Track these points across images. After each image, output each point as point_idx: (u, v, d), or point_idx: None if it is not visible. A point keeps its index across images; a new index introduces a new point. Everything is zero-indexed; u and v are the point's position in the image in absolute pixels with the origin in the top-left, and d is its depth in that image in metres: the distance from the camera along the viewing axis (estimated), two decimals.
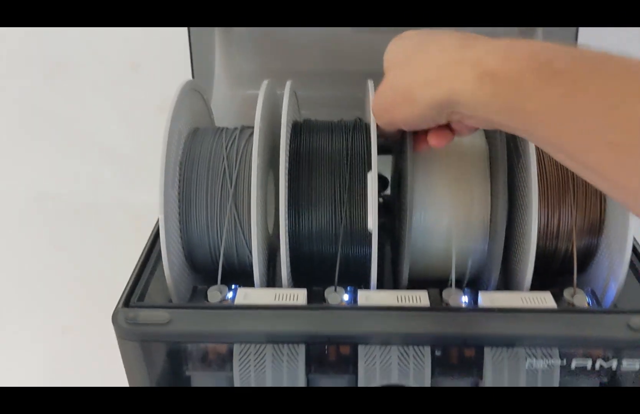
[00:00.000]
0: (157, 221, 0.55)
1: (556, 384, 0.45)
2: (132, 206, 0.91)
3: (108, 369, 0.51)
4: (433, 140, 0.43)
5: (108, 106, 0.94)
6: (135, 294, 0.47)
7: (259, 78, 0.56)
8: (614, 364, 0.44)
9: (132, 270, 0.50)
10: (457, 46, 0.38)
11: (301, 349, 0.45)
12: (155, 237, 0.54)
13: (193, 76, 0.70)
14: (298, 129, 0.55)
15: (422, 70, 0.40)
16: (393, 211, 0.60)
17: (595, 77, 0.31)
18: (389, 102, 0.44)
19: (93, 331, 0.79)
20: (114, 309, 0.45)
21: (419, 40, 0.43)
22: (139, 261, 0.50)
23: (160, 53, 0.88)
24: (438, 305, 0.47)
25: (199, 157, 0.53)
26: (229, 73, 0.76)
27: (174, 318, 0.43)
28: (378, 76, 0.47)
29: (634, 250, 0.49)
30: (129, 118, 0.95)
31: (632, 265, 0.49)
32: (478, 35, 0.39)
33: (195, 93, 0.58)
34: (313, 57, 0.73)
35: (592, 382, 0.46)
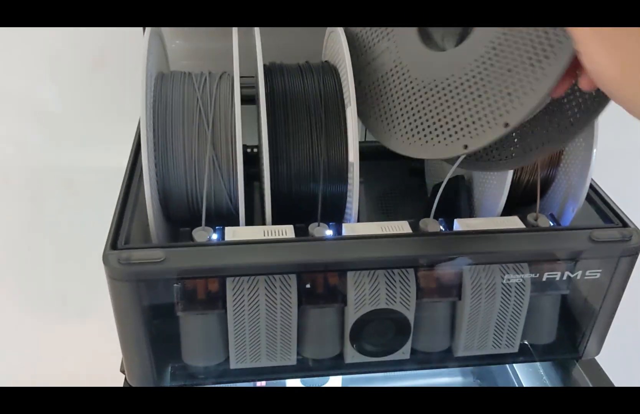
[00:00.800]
0: (127, 168, 0.54)
1: (527, 298, 0.50)
2: (64, 168, 0.87)
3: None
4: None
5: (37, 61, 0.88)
6: (121, 237, 0.46)
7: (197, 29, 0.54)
8: (579, 274, 0.49)
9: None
10: None
11: (293, 279, 0.46)
12: (128, 183, 0.53)
13: (143, 29, 0.67)
14: (267, 72, 0.55)
15: None
16: None
17: None
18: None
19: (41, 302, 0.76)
20: (103, 251, 0.44)
21: None
22: (116, 206, 0.49)
23: None
24: (418, 232, 0.49)
25: (172, 101, 0.52)
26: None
27: (168, 256, 0.43)
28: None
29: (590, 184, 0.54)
30: (60, 75, 0.90)
31: (588, 196, 0.53)
32: None
33: (159, 38, 0.57)
34: None
35: (558, 292, 0.51)
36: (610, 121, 0.48)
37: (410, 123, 0.48)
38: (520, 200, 0.57)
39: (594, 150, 0.51)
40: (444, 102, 0.45)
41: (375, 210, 0.69)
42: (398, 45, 0.52)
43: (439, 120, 0.45)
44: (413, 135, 0.48)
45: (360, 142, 0.76)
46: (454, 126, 0.44)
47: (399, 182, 0.73)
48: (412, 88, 0.49)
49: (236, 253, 0.45)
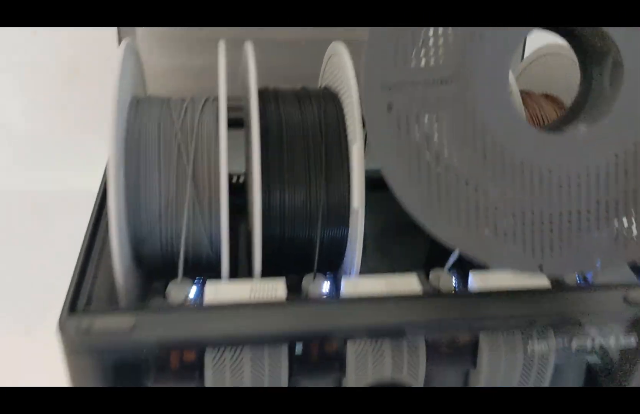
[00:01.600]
0: (95, 210, 0.48)
1: (551, 367, 0.43)
2: (35, 193, 0.79)
3: None
4: None
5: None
6: (82, 297, 0.39)
7: (184, 45, 0.48)
8: (611, 341, 0.43)
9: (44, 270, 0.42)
10: None
11: (284, 350, 0.40)
12: (94, 229, 0.46)
13: (119, 37, 0.60)
14: (260, 98, 0.48)
15: None
16: None
17: None
18: None
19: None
20: (59, 316, 0.37)
21: None
22: (79, 257, 0.42)
23: None
24: (429, 290, 0.43)
25: (147, 133, 0.45)
26: (153, 37, 0.66)
27: (139, 324, 0.36)
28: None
29: None
30: (28, 89, 0.83)
31: None
32: None
33: (134, 57, 0.50)
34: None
35: (585, 361, 0.45)
36: None
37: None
38: None
39: None
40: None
41: (374, 247, 0.63)
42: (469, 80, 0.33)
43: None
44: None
45: None
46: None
47: (400, 217, 0.67)
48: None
49: (217, 320, 0.38)
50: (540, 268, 0.32)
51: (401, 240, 0.65)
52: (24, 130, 0.77)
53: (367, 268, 0.60)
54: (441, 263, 0.45)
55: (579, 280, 0.45)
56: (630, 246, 0.27)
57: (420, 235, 0.64)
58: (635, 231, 0.27)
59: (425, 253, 0.59)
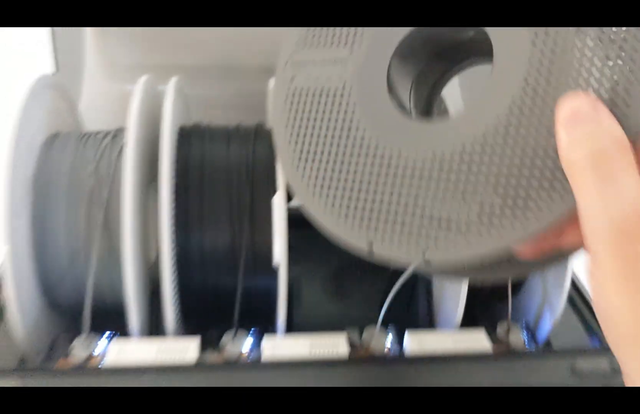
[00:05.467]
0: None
1: None
2: None
3: None
4: None
5: None
6: None
7: (140, 72, 0.45)
8: None
9: None
10: None
11: None
12: None
13: (57, 67, 0.57)
14: (187, 135, 0.45)
15: None
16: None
17: None
18: None
19: None
20: None
21: None
22: None
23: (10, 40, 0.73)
24: (357, 353, 0.39)
25: (58, 172, 0.41)
26: (104, 65, 0.63)
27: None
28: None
29: (572, 281, 0.44)
30: None
31: (569, 298, 0.44)
32: None
33: (55, 91, 0.46)
34: (204, 48, 0.61)
35: None
36: None
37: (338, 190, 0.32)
38: (488, 299, 0.47)
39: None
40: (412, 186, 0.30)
41: (327, 289, 0.59)
42: (356, 66, 0.34)
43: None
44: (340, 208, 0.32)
45: None
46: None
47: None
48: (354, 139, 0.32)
49: (114, 383, 0.35)
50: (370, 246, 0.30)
51: (359, 279, 0.61)
52: None
53: (324, 312, 0.56)
54: (394, 313, 0.41)
55: (526, 339, 0.42)
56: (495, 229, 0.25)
57: (380, 272, 0.60)
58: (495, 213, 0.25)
59: (383, 293, 0.55)
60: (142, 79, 0.43)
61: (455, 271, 0.34)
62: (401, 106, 0.33)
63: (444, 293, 0.46)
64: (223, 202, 0.42)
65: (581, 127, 0.23)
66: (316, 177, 0.33)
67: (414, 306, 0.48)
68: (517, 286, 0.47)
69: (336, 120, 0.33)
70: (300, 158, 0.34)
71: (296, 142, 0.35)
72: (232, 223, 0.42)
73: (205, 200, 0.42)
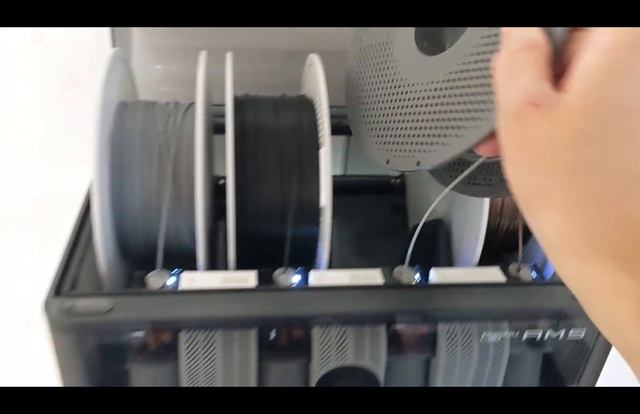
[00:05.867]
0: (84, 204, 0.51)
1: (506, 356, 0.46)
2: (33, 193, 0.83)
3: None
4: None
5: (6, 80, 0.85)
6: (67, 282, 0.42)
7: (180, 52, 0.51)
8: (561, 333, 0.46)
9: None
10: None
11: (253, 334, 0.43)
12: (82, 221, 0.49)
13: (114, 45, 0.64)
14: (239, 104, 0.52)
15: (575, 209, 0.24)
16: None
17: None
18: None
19: None
20: (44, 299, 0.40)
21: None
22: (67, 246, 0.46)
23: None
24: (392, 283, 0.46)
25: (132, 133, 0.48)
26: (148, 46, 0.70)
27: (117, 306, 0.40)
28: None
29: None
30: (29, 99, 0.87)
31: None
32: None
33: (123, 65, 0.53)
34: (242, 33, 0.69)
35: (540, 350, 0.47)
36: None
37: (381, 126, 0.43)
38: (501, 247, 0.54)
39: None
40: (415, 110, 0.40)
41: (352, 249, 0.66)
42: (394, 39, 0.44)
43: (403, 129, 0.40)
44: (382, 140, 0.43)
45: (339, 176, 0.73)
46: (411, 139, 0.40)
47: (379, 219, 0.70)
48: (391, 86, 0.42)
49: (190, 304, 0.41)
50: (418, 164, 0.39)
51: (382, 239, 0.68)
52: (27, 133, 0.82)
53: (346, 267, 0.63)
54: (417, 261, 0.48)
55: (535, 275, 0.48)
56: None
57: (399, 235, 0.67)
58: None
59: (403, 252, 0.62)
60: (202, 54, 0.50)
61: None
62: (423, 45, 0.41)
63: (462, 241, 0.52)
64: (274, 160, 0.49)
65: (503, 40, 0.27)
66: (365, 109, 0.44)
67: (436, 254, 0.54)
68: (527, 235, 0.54)
69: (381, 64, 0.44)
70: (359, 97, 0.46)
71: (360, 84, 0.46)
72: (282, 178, 0.49)
73: (259, 158, 0.49)
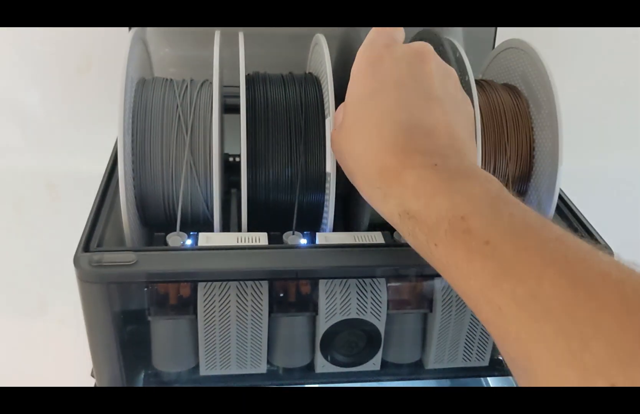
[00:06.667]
0: (107, 169, 0.55)
1: None
2: (47, 173, 0.87)
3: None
4: None
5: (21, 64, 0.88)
6: (94, 240, 0.46)
7: (188, 38, 0.55)
8: None
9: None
10: (395, 151, 0.39)
11: (265, 287, 0.46)
12: (105, 188, 0.53)
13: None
14: (250, 81, 0.56)
15: (364, 155, 0.41)
16: None
17: (504, 246, 0.31)
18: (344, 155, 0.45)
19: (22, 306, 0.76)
20: (74, 254, 0.44)
21: (372, 91, 0.43)
22: (92, 209, 0.49)
23: None
24: (391, 243, 0.50)
25: (152, 106, 0.52)
26: (158, 30, 0.74)
27: (140, 259, 0.43)
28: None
29: (559, 195, 0.54)
30: (44, 79, 0.90)
31: (557, 207, 0.54)
32: (422, 133, 0.40)
33: (143, 44, 0.57)
34: None
35: None
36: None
37: None
38: None
39: (559, 165, 0.51)
40: None
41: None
42: None
43: None
44: None
45: None
46: None
47: None
48: None
49: (208, 258, 0.45)
50: None
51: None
52: (41, 116, 0.85)
53: None
54: None
55: None
56: None
57: None
58: None
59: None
60: (217, 33, 0.54)
61: None
62: None
63: None
64: (283, 132, 0.53)
65: None
66: None
67: None
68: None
69: None
70: None
71: None
72: (289, 148, 0.53)
73: (269, 130, 0.52)
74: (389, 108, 0.41)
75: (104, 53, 0.80)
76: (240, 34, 0.55)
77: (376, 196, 0.40)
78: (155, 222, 0.54)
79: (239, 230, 0.51)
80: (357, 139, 0.42)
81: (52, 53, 0.82)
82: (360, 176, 0.42)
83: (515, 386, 0.31)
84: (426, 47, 0.44)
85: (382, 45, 0.44)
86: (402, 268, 0.48)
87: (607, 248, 0.49)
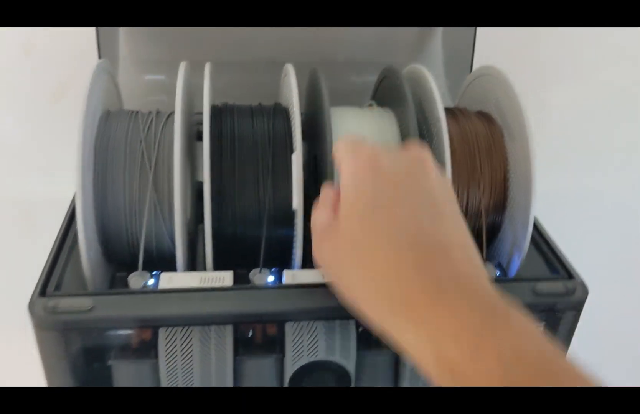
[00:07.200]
0: (69, 209, 0.53)
1: None
2: (22, 201, 0.85)
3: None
4: None
5: None
6: (51, 283, 0.44)
7: (165, 64, 0.54)
8: None
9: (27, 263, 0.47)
10: (418, 274, 0.35)
11: (229, 330, 0.45)
12: (67, 225, 0.51)
13: (100, 56, 0.67)
14: (217, 112, 0.54)
15: (376, 279, 0.37)
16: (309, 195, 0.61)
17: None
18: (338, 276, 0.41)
19: None
20: (29, 299, 0.42)
21: (373, 203, 0.39)
22: (52, 249, 0.48)
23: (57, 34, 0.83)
24: None
25: (115, 141, 0.51)
26: (134, 57, 0.73)
27: (97, 305, 0.42)
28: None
29: (534, 225, 0.53)
30: (18, 105, 0.89)
31: (533, 238, 0.53)
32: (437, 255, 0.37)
33: (108, 75, 0.56)
34: (224, 46, 0.71)
35: None
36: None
37: None
38: None
39: (532, 198, 0.50)
40: None
41: None
42: None
43: None
44: None
45: None
46: None
47: None
48: None
49: (168, 302, 0.44)
50: None
51: None
52: (16, 142, 0.84)
53: None
54: None
55: (499, 273, 0.51)
56: None
57: None
58: None
59: None
60: (183, 64, 0.52)
61: None
62: None
63: None
64: (250, 165, 0.51)
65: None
66: None
67: None
68: (493, 232, 0.56)
69: None
70: None
71: None
72: (257, 182, 0.51)
73: (235, 163, 0.51)
74: (400, 224, 0.37)
75: (80, 79, 0.78)
76: (207, 65, 0.53)
77: (398, 326, 0.36)
78: (120, 259, 0.53)
79: (206, 267, 0.50)
80: (363, 260, 0.38)
81: (25, 81, 0.80)
82: (367, 301, 0.38)
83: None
84: (424, 152, 0.42)
85: (369, 149, 0.41)
86: None
87: (582, 285, 0.48)
